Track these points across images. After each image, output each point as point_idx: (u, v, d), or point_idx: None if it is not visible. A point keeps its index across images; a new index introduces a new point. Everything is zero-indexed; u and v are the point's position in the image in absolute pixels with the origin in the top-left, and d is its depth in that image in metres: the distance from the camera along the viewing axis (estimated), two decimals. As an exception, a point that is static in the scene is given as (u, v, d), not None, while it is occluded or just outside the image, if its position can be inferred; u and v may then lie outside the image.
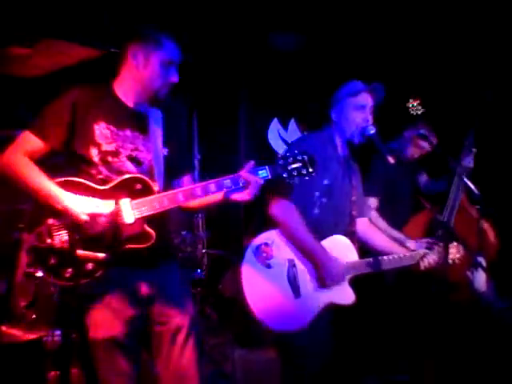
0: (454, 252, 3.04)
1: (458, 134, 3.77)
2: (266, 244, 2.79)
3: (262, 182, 2.26)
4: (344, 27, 4.49)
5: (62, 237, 2.13)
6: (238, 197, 2.28)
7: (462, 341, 3.46)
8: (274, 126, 5.40)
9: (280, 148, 5.41)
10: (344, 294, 2.89)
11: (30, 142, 2.23)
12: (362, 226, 3.17)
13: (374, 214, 3.57)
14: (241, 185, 2.24)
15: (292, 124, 5.47)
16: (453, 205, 3.54)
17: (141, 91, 2.33)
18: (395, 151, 3.81)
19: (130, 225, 2.17)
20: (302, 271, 2.83)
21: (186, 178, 2.50)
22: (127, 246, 2.19)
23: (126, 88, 2.34)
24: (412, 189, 3.90)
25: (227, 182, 2.24)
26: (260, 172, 2.28)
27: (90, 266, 2.15)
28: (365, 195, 3.33)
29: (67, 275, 2.12)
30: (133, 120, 2.34)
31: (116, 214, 2.17)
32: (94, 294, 2.23)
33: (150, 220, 2.22)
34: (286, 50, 4.86)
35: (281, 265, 2.80)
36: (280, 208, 2.83)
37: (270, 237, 2.82)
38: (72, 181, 2.19)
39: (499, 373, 3.41)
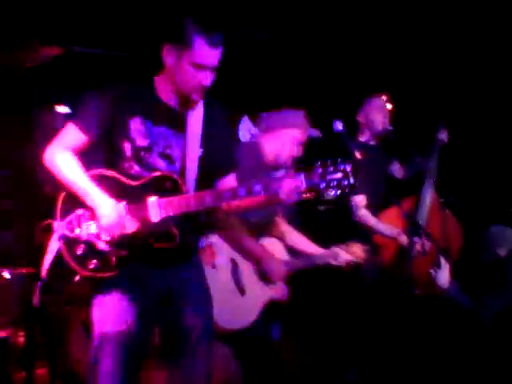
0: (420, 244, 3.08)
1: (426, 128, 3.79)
2: (210, 243, 2.81)
3: (299, 183, 2.09)
4: (308, 26, 4.46)
5: (89, 228, 2.17)
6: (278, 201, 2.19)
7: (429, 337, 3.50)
8: (245, 124, 5.36)
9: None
10: (279, 290, 3.01)
11: (73, 135, 2.25)
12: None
13: (365, 212, 3.53)
14: (273, 191, 2.14)
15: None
16: (424, 197, 3.58)
17: (175, 91, 2.28)
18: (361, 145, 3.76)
19: (156, 223, 2.16)
20: (243, 267, 2.90)
21: (230, 178, 2.41)
22: (151, 245, 2.19)
23: (165, 86, 2.30)
24: (383, 175, 3.81)
25: (257, 187, 2.12)
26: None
27: (113, 260, 2.16)
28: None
29: (91, 266, 2.15)
30: (169, 118, 2.30)
31: (143, 211, 2.16)
32: (109, 287, 2.21)
33: (176, 221, 2.19)
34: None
35: (225, 264, 2.86)
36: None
37: (211, 238, 2.85)
38: (106, 175, 2.23)
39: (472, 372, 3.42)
